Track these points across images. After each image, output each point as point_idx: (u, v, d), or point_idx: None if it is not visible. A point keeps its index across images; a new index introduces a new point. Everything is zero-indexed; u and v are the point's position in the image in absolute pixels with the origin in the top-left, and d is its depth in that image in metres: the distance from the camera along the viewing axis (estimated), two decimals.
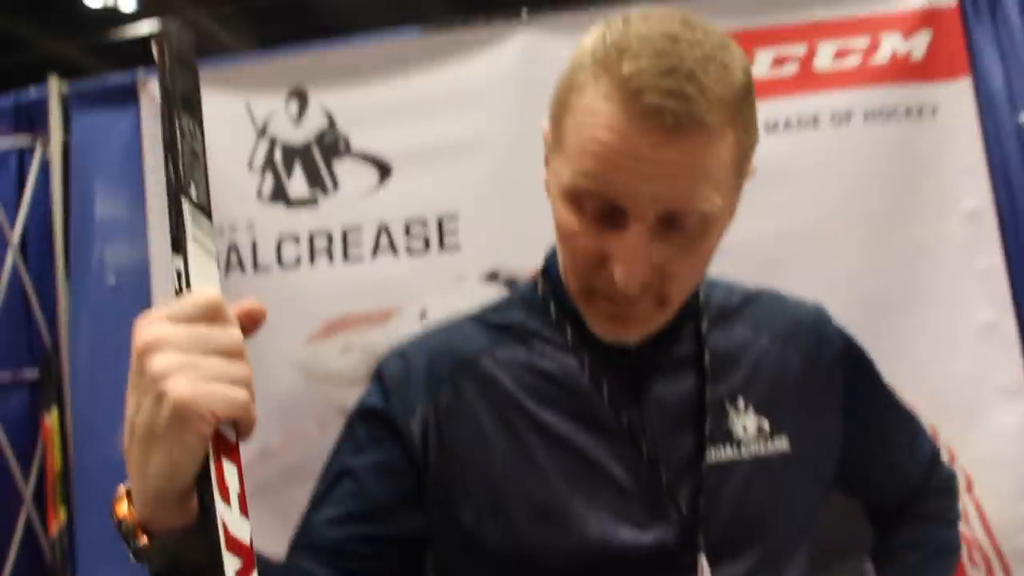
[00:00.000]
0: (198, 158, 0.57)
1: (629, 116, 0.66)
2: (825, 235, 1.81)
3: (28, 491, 2.25)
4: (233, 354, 0.53)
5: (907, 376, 1.63)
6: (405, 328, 1.82)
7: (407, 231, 1.97)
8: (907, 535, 1.01)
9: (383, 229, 1.98)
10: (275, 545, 0.79)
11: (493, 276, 1.89)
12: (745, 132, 0.72)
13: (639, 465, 0.80)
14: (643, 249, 0.70)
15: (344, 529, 0.81)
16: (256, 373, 0.56)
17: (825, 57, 1.87)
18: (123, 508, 0.57)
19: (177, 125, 0.56)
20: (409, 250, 1.97)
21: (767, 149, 1.81)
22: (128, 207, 2.20)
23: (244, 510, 0.55)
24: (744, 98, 0.70)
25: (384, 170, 2.00)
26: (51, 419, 2.25)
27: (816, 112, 1.85)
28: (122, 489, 0.58)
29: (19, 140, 2.34)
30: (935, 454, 1.03)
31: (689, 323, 0.86)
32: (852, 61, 1.86)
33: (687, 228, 0.71)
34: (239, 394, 0.53)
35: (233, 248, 2.05)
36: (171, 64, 0.57)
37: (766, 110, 1.85)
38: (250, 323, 0.57)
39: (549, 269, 0.89)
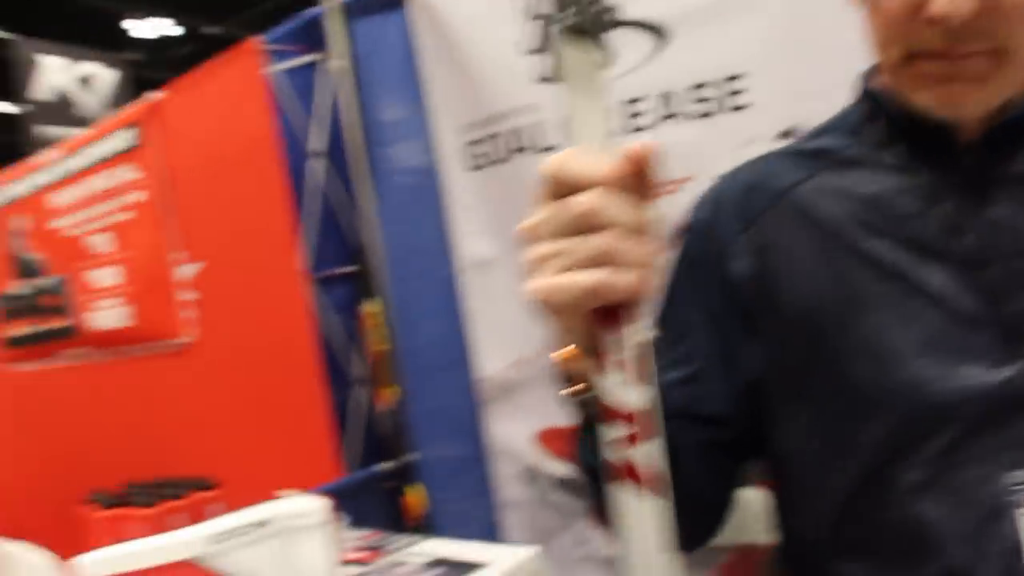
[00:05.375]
0: None
1: None
2: None
3: (358, 373, 2.54)
4: (588, 227, 0.52)
5: None
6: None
7: (692, 95, 1.91)
8: None
9: (666, 96, 1.93)
10: None
11: (788, 134, 1.79)
12: None
13: (984, 295, 0.71)
14: None
15: (690, 389, 0.81)
16: None
17: None
18: (561, 355, 0.61)
19: None
20: (695, 115, 1.91)
21: None
22: (411, 110, 2.31)
23: (632, 376, 0.53)
24: None
25: (662, 35, 1.93)
26: (370, 308, 2.51)
27: None
28: None
29: (308, 57, 2.53)
30: None
31: None
32: None
33: None
34: (589, 279, 0.52)
35: (515, 132, 2.09)
36: None
37: None
38: (637, 170, 0.53)
39: (866, 87, 0.81)
